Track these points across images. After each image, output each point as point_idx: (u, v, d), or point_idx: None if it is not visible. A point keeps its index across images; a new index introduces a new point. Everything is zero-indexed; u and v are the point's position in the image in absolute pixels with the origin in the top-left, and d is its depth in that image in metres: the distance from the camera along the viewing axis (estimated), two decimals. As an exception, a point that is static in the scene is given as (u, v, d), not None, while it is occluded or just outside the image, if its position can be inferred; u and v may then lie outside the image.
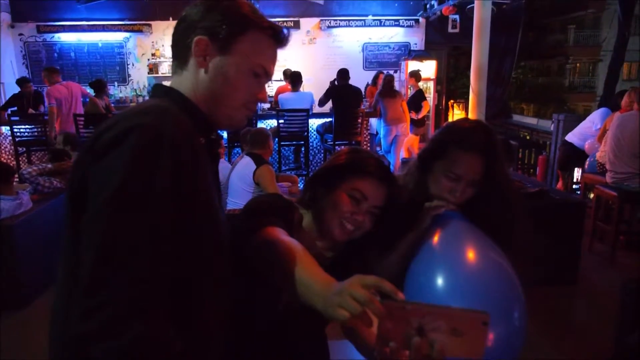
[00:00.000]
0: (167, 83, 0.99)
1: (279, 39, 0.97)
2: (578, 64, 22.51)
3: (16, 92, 7.03)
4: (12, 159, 6.55)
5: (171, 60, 0.99)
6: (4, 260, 3.34)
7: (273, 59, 0.97)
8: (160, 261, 0.74)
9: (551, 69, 22.60)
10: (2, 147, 6.94)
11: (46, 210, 3.63)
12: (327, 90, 6.62)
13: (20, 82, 6.95)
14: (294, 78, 6.35)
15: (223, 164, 4.23)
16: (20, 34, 8.96)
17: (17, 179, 3.97)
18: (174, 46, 0.96)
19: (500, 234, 1.27)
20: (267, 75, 0.97)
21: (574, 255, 3.54)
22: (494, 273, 1.13)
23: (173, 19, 7.33)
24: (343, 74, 6.36)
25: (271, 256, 0.94)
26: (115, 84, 9.09)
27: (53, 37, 9.02)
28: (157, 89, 0.98)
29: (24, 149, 6.44)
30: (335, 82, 6.67)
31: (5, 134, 6.84)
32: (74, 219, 0.80)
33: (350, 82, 6.41)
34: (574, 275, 3.53)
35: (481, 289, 1.08)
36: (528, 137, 6.88)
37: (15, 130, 6.28)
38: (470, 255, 1.16)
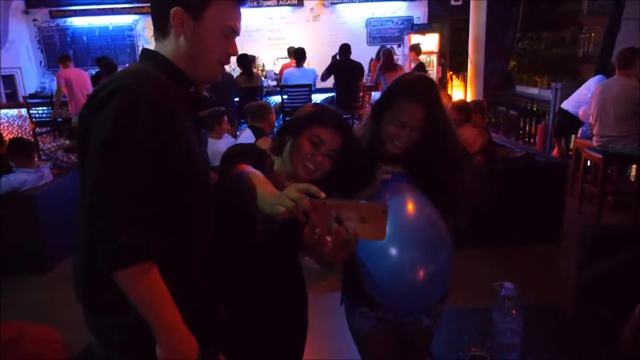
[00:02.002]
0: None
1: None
2: (593, 34, 21.97)
3: (34, 76, 7.31)
4: (32, 139, 6.92)
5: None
6: (28, 228, 3.67)
7: (239, 17, 1.16)
8: (141, 188, 0.96)
9: (565, 39, 22.11)
10: (23, 128, 7.30)
11: (65, 182, 3.94)
12: (329, 66, 6.78)
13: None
14: (298, 54, 6.52)
15: (227, 139, 4.48)
16: (34, 20, 9.22)
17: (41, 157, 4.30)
18: (154, 18, 1.14)
19: (444, 188, 1.46)
20: (235, 33, 1.16)
21: (557, 215, 3.74)
22: (425, 224, 1.36)
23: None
24: (344, 49, 6.51)
25: (239, 184, 1.19)
26: (127, 65, 9.31)
27: (65, 21, 9.27)
28: (144, 53, 1.17)
29: (43, 129, 6.81)
30: (337, 57, 6.82)
31: (24, 116, 7.20)
32: (84, 161, 1.03)
33: (355, 57, 6.56)
34: (557, 234, 3.73)
35: (414, 236, 1.32)
36: (529, 107, 6.96)
37: (34, 112, 6.66)
38: (408, 209, 1.38)
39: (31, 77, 9.07)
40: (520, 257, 3.51)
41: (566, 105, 5.33)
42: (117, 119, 0.96)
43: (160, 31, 1.13)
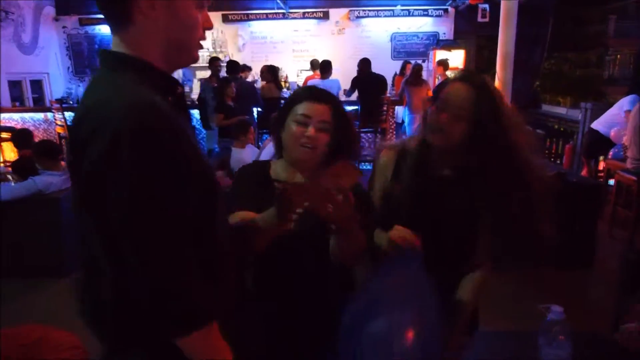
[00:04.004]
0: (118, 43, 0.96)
1: None
2: (619, 56, 21.68)
3: (61, 82, 7.44)
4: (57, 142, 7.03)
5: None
6: (50, 230, 3.67)
7: None
8: (187, 232, 0.89)
9: (590, 60, 21.85)
10: (48, 132, 7.41)
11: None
12: (352, 80, 6.79)
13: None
14: (323, 66, 6.54)
15: (251, 149, 4.46)
16: (64, 27, 9.41)
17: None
18: (108, 7, 0.94)
19: (494, 201, 1.32)
20: (208, 2, 1.01)
21: (590, 239, 3.60)
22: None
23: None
24: (365, 63, 6.54)
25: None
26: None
27: (94, 29, 9.44)
28: (109, 60, 0.96)
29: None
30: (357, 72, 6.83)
31: (50, 120, 7.31)
32: (88, 207, 0.90)
33: (379, 71, 6.57)
34: (591, 259, 3.59)
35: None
36: (556, 127, 6.83)
37: (60, 116, 6.77)
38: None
39: (58, 83, 9.23)
40: (552, 281, 3.38)
41: (596, 125, 5.21)
42: (137, 177, 0.83)
43: (121, 21, 0.93)
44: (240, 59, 8.39)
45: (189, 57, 1.02)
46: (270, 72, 6.51)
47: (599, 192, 3.64)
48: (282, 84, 7.81)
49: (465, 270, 1.44)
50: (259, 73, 7.21)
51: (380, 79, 6.49)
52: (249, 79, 7.30)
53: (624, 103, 4.94)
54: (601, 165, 5.43)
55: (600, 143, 5.13)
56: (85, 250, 0.96)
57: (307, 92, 1.39)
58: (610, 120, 5.05)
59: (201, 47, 1.03)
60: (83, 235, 0.95)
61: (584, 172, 5.45)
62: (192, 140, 0.97)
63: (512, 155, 1.32)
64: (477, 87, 1.32)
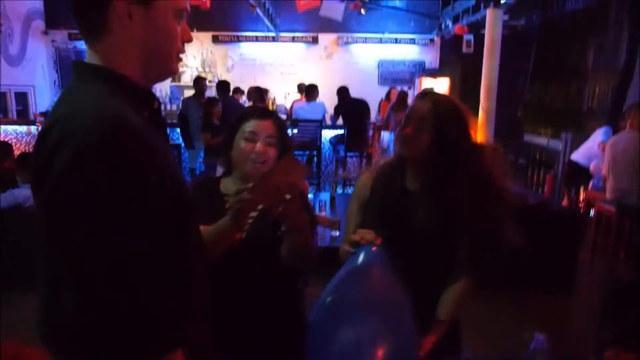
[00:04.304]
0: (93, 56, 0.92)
1: None
2: (598, 88, 22.30)
3: (47, 95, 7.35)
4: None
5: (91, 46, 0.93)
6: (30, 244, 3.58)
7: None
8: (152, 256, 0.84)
9: (570, 92, 22.43)
10: (31, 145, 7.29)
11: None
12: (335, 108, 7.01)
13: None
14: (309, 89, 6.61)
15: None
16: (53, 40, 9.39)
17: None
18: (81, 16, 0.91)
19: (463, 213, 1.36)
20: (187, 13, 0.98)
21: (570, 266, 3.64)
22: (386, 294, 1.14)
23: (197, 30, 7.66)
24: (343, 91, 6.85)
25: None
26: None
27: (83, 44, 9.37)
28: (82, 71, 0.93)
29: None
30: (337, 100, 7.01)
31: (34, 133, 7.21)
32: (48, 223, 0.85)
33: (366, 97, 6.78)
34: (571, 286, 3.63)
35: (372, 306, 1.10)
36: (537, 156, 6.97)
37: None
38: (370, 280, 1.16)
39: (44, 96, 9.15)
40: (535, 306, 3.40)
41: (576, 156, 5.31)
42: (91, 195, 0.79)
43: (95, 31, 0.90)
44: (229, 79, 8.42)
45: (168, 69, 0.98)
46: (257, 93, 6.55)
47: (579, 222, 3.71)
48: (270, 105, 7.86)
49: (443, 283, 1.44)
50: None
51: (361, 103, 6.60)
52: (240, 101, 7.35)
53: (597, 135, 5.04)
54: (582, 196, 5.53)
55: (580, 173, 5.23)
56: (45, 268, 0.90)
57: (252, 111, 1.49)
58: (587, 152, 5.15)
59: (180, 60, 1.00)
60: (45, 252, 0.88)
61: (564, 202, 5.55)
62: (165, 158, 0.93)
63: (475, 160, 1.38)
64: (435, 100, 1.41)
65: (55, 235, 0.83)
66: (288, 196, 1.17)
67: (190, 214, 0.99)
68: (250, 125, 1.43)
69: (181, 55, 1.00)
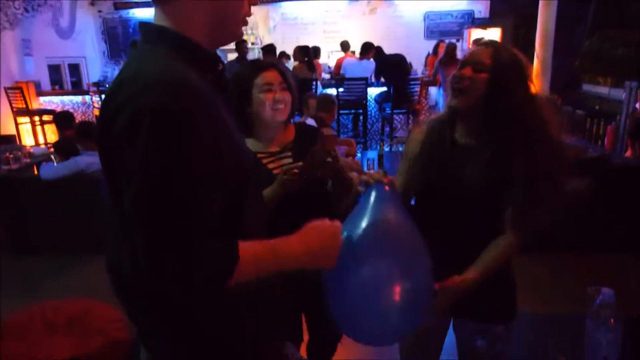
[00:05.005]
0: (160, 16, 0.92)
1: None
2: (665, 33, 20.58)
3: (97, 65, 7.61)
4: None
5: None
6: (91, 208, 3.77)
7: None
8: (210, 211, 0.85)
9: (632, 40, 20.81)
10: (86, 115, 7.61)
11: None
12: (374, 70, 6.73)
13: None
14: (364, 46, 6.51)
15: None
16: (99, 11, 9.57)
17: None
18: None
19: (517, 169, 1.30)
20: None
21: (636, 221, 3.46)
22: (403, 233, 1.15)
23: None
24: (377, 51, 6.65)
25: None
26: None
27: (129, 13, 9.57)
28: (149, 33, 0.93)
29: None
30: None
31: (88, 103, 7.50)
32: (108, 181, 0.89)
33: (412, 52, 6.76)
34: (637, 242, 3.45)
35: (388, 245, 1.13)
36: (597, 107, 6.56)
37: (97, 99, 6.93)
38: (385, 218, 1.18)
39: (95, 67, 9.44)
40: (598, 267, 3.27)
41: (642, 105, 4.97)
42: (158, 153, 0.79)
43: None
44: (272, 40, 8.37)
45: (233, 33, 0.98)
46: (302, 53, 6.48)
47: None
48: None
49: (489, 241, 1.38)
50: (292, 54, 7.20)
51: (399, 59, 6.38)
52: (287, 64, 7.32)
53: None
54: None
55: (646, 124, 4.90)
56: (111, 227, 0.94)
57: (257, 65, 1.63)
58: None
59: (246, 23, 0.98)
60: (110, 211, 0.92)
61: (627, 153, 5.23)
62: (226, 122, 0.92)
63: (531, 112, 1.32)
64: (496, 47, 1.35)
65: (118, 192, 0.84)
66: (329, 159, 1.45)
67: (249, 179, 0.98)
68: (262, 78, 1.58)
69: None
